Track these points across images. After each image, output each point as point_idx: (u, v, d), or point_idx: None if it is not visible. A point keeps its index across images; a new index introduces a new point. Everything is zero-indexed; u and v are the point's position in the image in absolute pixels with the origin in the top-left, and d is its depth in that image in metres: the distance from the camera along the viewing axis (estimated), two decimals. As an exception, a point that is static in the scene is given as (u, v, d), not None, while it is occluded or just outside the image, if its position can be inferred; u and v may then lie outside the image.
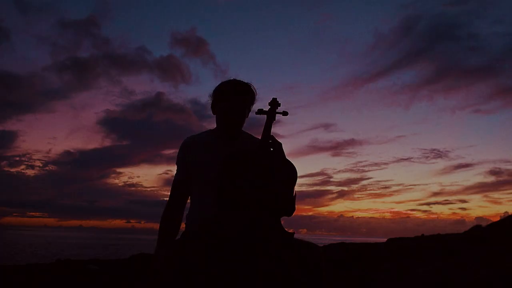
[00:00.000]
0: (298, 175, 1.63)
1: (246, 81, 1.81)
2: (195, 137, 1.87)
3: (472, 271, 5.42)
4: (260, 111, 1.88)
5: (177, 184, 1.82)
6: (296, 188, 1.65)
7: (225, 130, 1.79)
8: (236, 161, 1.63)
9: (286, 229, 1.57)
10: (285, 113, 1.89)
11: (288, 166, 1.65)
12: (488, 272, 5.24)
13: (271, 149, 1.71)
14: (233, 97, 1.75)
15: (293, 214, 1.58)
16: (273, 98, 1.90)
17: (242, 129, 1.88)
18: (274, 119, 1.85)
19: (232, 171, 1.61)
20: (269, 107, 1.89)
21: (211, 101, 1.82)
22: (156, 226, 1.78)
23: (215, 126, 1.85)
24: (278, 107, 1.89)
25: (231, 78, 1.81)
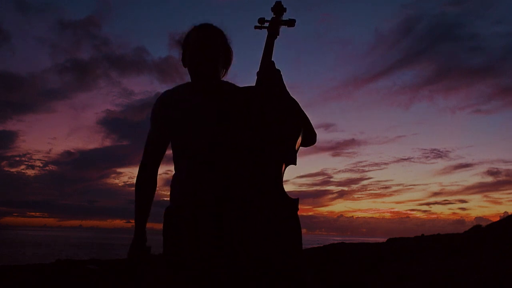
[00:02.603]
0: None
1: (218, 27, 1.57)
2: (172, 92, 1.62)
3: (472, 271, 5.41)
4: (261, 22, 1.53)
5: (152, 143, 1.63)
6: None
7: (197, 82, 1.57)
8: (224, 122, 1.46)
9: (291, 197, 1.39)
10: (291, 23, 1.52)
11: (289, 99, 1.47)
12: (488, 272, 5.23)
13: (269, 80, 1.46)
14: (203, 44, 1.52)
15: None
16: (276, 2, 1.53)
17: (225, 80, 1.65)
18: (278, 34, 1.50)
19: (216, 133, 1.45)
20: (273, 16, 1.53)
21: (181, 53, 1.61)
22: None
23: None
24: (283, 14, 1.52)
25: (202, 23, 1.57)
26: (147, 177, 1.65)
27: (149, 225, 1.65)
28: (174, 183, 1.63)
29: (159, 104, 1.61)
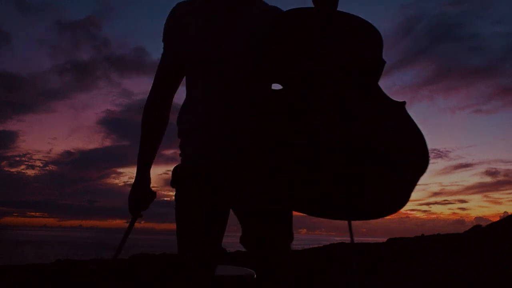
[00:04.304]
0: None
1: None
2: (188, 5, 1.32)
3: (472, 271, 5.42)
4: None
5: (165, 68, 1.35)
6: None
7: None
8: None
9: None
10: None
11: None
12: (488, 272, 5.24)
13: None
14: None
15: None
16: None
17: None
18: None
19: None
20: None
21: None
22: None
23: None
24: None
25: None
26: (157, 110, 1.38)
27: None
28: (189, 115, 1.30)
29: (171, 19, 1.32)
